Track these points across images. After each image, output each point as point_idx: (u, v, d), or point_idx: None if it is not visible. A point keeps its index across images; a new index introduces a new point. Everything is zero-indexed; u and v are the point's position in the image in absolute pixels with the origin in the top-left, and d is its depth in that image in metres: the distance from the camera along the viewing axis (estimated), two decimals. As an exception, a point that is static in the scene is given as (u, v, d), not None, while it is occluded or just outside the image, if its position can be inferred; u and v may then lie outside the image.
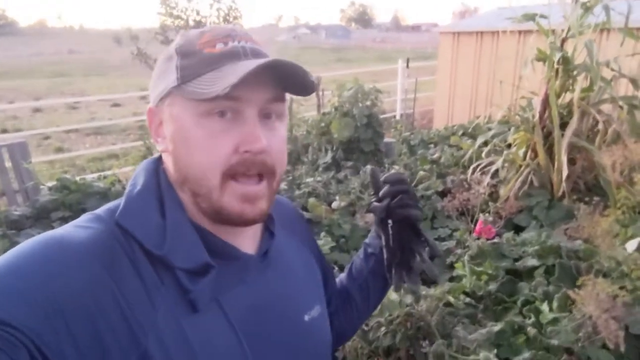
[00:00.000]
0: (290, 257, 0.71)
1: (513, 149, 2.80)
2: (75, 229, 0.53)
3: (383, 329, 1.36)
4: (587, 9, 2.46)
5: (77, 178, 2.91)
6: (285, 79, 0.55)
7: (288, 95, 0.60)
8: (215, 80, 0.52)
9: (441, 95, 7.53)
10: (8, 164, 3.76)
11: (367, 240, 0.86)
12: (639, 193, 2.00)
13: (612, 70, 2.53)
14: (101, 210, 0.57)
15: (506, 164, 2.80)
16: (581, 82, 2.58)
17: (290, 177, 3.50)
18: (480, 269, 1.77)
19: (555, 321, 1.34)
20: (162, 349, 0.50)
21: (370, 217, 2.03)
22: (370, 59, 29.56)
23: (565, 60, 2.55)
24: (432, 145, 4.49)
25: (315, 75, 5.83)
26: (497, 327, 1.35)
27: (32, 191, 3.40)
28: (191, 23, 6.68)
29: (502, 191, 2.66)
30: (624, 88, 3.28)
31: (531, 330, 1.31)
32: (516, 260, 1.87)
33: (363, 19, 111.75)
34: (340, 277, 0.89)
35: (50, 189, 2.84)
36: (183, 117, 0.55)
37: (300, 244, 0.76)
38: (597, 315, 1.19)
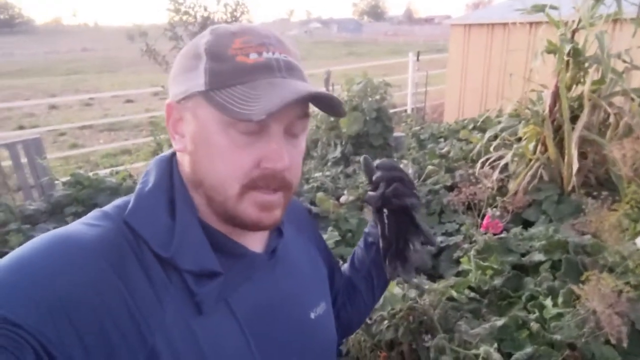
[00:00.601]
0: (297, 254, 0.71)
1: (523, 143, 2.76)
2: (83, 226, 0.52)
3: (386, 322, 1.38)
4: (598, -1, 2.41)
5: (90, 173, 2.97)
6: (317, 102, 0.56)
7: None
8: (248, 99, 0.50)
9: (452, 89, 7.45)
10: (24, 160, 3.84)
11: (367, 230, 0.85)
12: (650, 187, 1.96)
13: (624, 62, 2.47)
14: (109, 207, 0.56)
15: (516, 158, 2.76)
16: (592, 74, 2.53)
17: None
18: (486, 263, 1.76)
19: (559, 316, 1.34)
20: (169, 348, 0.50)
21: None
22: (382, 53, 29.30)
23: (576, 52, 2.50)
24: (441, 139, 4.46)
25: (325, 69, 5.82)
26: (501, 321, 1.35)
27: (47, 186, 3.47)
28: (199, 19, 6.70)
29: (511, 185, 2.63)
30: (636, 80, 3.20)
31: (534, 326, 1.30)
32: (523, 255, 1.86)
33: (375, 12, 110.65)
34: (344, 269, 0.88)
35: (64, 184, 2.91)
36: (208, 121, 0.53)
37: (307, 240, 0.76)
38: (601, 311, 1.18)
